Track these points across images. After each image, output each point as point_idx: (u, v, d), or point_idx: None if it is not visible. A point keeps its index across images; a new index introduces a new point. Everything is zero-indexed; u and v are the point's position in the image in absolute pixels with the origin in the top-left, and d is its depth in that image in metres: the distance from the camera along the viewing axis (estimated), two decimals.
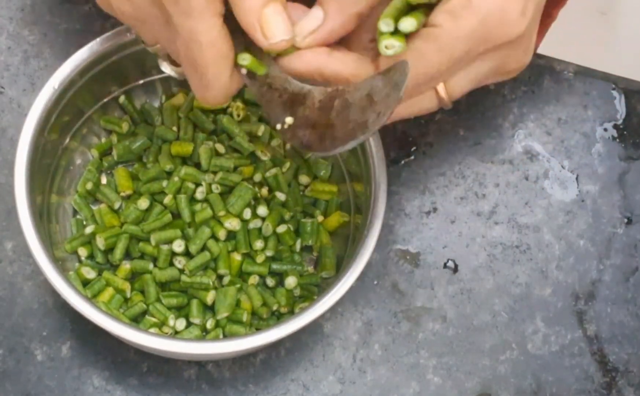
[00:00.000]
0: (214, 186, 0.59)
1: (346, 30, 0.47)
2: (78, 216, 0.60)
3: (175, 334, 0.57)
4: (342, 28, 0.47)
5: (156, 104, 0.62)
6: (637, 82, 0.67)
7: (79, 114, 0.59)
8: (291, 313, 0.58)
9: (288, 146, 0.62)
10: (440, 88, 0.49)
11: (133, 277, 0.58)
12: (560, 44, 0.82)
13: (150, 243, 0.58)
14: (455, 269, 0.61)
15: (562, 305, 0.61)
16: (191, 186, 0.59)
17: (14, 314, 0.58)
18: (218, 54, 0.46)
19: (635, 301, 0.62)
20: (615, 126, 0.66)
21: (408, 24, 0.45)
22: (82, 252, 0.58)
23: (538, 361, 0.60)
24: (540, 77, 0.67)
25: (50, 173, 0.58)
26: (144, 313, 0.57)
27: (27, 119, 0.54)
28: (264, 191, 0.60)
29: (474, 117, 0.65)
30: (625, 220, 0.64)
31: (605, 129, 0.66)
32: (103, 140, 0.61)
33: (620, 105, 0.66)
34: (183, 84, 0.62)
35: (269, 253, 0.59)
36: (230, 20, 0.46)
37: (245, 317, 0.57)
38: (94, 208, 0.60)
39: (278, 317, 0.58)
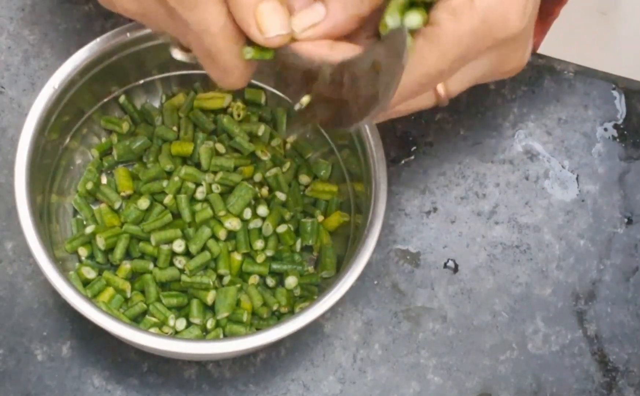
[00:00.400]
0: (214, 186, 0.59)
1: (347, 31, 0.47)
2: (78, 216, 0.60)
3: (176, 334, 0.57)
4: (343, 28, 0.46)
5: (156, 104, 0.62)
6: (637, 82, 0.67)
7: (79, 114, 0.59)
8: (291, 313, 0.58)
9: (288, 146, 0.62)
10: (439, 85, 0.49)
11: (133, 277, 0.58)
12: (561, 43, 0.82)
13: (151, 243, 0.58)
14: (456, 269, 0.61)
15: (563, 305, 0.61)
16: (191, 186, 0.59)
17: (14, 314, 0.58)
18: (230, 39, 0.46)
19: (635, 301, 0.62)
20: (616, 126, 0.66)
21: (414, 19, 0.44)
22: (82, 252, 0.58)
23: (538, 361, 0.60)
24: (541, 77, 0.67)
25: (50, 173, 0.58)
26: (144, 313, 0.57)
27: (27, 119, 0.54)
28: (264, 191, 0.60)
29: (474, 117, 0.65)
30: (626, 220, 0.64)
31: (606, 129, 0.66)
32: (103, 140, 0.61)
33: (620, 105, 0.66)
34: (183, 84, 0.62)
35: (269, 253, 0.59)
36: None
37: (245, 317, 0.57)
38: (94, 207, 0.60)
39: (278, 317, 0.58)
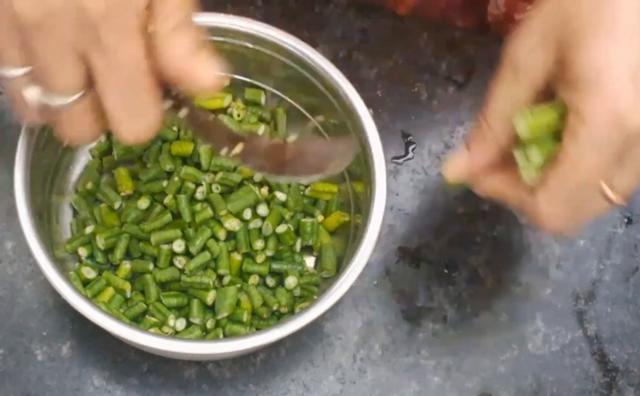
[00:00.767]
0: (214, 186, 0.59)
1: (492, 162, 0.50)
2: (78, 216, 0.60)
3: (176, 334, 0.57)
4: (489, 161, 0.50)
5: None
6: None
7: None
8: (291, 313, 0.58)
9: None
10: (605, 188, 0.47)
11: (133, 277, 0.58)
12: None
13: (151, 243, 0.58)
14: (456, 269, 0.61)
15: (562, 305, 0.61)
16: (191, 186, 0.59)
17: (14, 314, 0.58)
18: (155, 79, 0.44)
19: (635, 301, 0.62)
20: None
21: (534, 155, 0.47)
22: (82, 252, 0.58)
23: (538, 361, 0.60)
24: None
25: (50, 173, 0.58)
26: (144, 313, 0.57)
27: None
28: (264, 191, 0.60)
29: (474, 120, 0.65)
30: (626, 220, 0.64)
31: None
32: (103, 140, 0.61)
33: None
34: None
35: (269, 253, 0.59)
36: None
37: (245, 317, 0.57)
38: (94, 207, 0.60)
39: (278, 317, 0.58)
